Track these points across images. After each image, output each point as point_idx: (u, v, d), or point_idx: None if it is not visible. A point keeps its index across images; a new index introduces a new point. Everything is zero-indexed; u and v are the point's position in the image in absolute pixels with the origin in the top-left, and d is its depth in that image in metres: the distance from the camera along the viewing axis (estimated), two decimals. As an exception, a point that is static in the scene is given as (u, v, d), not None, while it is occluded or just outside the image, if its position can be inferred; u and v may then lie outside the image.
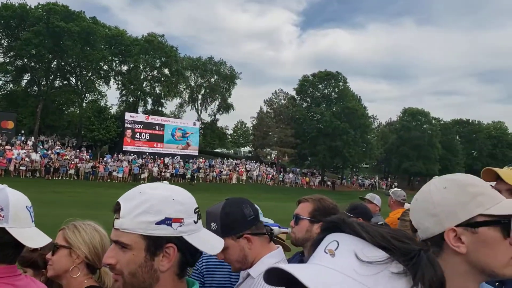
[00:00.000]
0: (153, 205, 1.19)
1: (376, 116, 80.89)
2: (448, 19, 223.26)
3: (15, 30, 49.49)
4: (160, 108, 62.42)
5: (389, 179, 67.69)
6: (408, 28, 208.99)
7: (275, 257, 2.02)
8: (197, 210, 1.27)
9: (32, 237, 1.70)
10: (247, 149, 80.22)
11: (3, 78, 52.19)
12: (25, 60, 50.62)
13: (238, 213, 1.97)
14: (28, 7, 48.77)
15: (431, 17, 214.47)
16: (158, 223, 1.18)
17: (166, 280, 1.21)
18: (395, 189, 6.35)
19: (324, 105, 61.55)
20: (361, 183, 61.28)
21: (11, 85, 53.46)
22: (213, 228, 1.93)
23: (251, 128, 68.67)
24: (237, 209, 1.97)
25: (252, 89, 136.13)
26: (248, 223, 1.97)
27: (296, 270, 0.70)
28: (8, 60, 51.11)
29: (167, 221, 1.18)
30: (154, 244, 1.19)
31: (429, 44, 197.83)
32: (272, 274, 0.76)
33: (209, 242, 1.28)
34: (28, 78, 53.56)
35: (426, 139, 66.36)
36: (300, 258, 2.72)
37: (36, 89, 53.09)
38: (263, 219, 3.23)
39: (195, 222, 1.25)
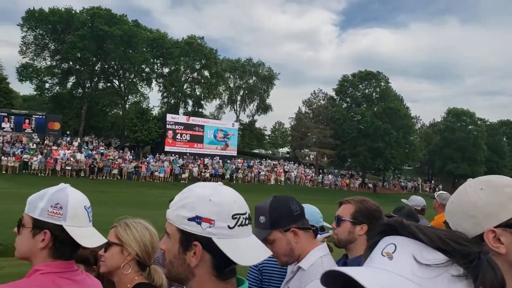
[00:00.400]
0: (190, 202, 1.21)
1: (419, 117, 79.00)
2: (494, 18, 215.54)
3: (61, 34, 51.19)
4: (200, 110, 63.27)
5: (432, 182, 65.81)
6: (452, 26, 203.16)
7: (322, 251, 2.11)
8: (236, 216, 1.22)
9: (88, 236, 1.75)
10: (285, 150, 80.00)
11: (50, 81, 54.01)
12: (71, 63, 52.28)
13: (285, 208, 2.09)
14: (73, 11, 50.38)
15: (476, 16, 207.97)
16: (190, 219, 1.20)
17: (202, 278, 1.21)
18: (441, 191, 6.23)
19: (364, 105, 60.47)
20: (403, 186, 59.79)
21: (58, 88, 55.25)
22: (262, 221, 2.06)
23: (289, 129, 68.38)
24: (284, 204, 2.10)
25: (290, 89, 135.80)
26: (294, 217, 2.09)
27: (355, 272, 0.70)
28: (54, 64, 52.88)
29: (197, 219, 1.19)
30: (186, 239, 1.21)
31: (474, 43, 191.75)
32: (329, 277, 0.76)
33: (243, 251, 1.20)
34: (73, 81, 55.29)
35: (471, 140, 64.14)
36: (344, 261, 2.68)
37: (81, 91, 54.80)
38: (322, 223, 3.19)
39: (230, 228, 1.20)
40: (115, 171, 38.86)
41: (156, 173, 40.72)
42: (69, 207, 1.72)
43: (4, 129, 40.55)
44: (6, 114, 41.89)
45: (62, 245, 1.71)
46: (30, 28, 50.13)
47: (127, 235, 2.16)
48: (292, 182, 50.34)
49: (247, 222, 1.24)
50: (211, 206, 1.20)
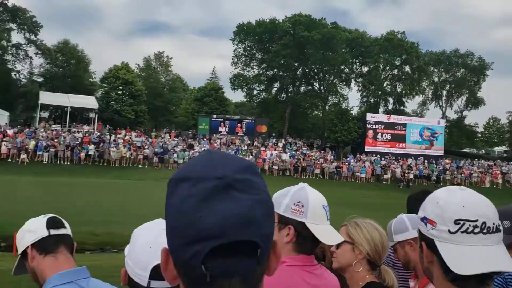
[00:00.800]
0: (425, 203, 1.27)
1: None
2: None
3: (266, 44, 55.78)
4: (401, 107, 61.17)
5: None
6: None
7: None
8: (460, 221, 1.15)
9: (327, 234, 1.82)
10: (501, 148, 70.91)
11: (257, 88, 59.46)
12: (275, 70, 56.60)
13: None
14: (277, 21, 54.19)
15: None
16: (421, 219, 1.25)
17: (437, 280, 1.21)
18: None
19: None
20: None
21: (264, 94, 60.46)
22: (506, 226, 1.94)
23: (507, 124, 60.47)
24: None
25: (507, 80, 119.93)
26: None
27: None
28: (261, 72, 57.98)
29: (424, 220, 1.24)
30: (419, 238, 1.27)
31: None
32: None
33: (464, 259, 1.12)
34: (277, 86, 59.79)
35: None
36: None
37: (284, 95, 58.74)
38: None
39: (451, 232, 1.16)
40: (317, 171, 40.05)
41: (357, 174, 40.60)
42: (310, 205, 1.80)
43: (221, 133, 45.84)
44: (222, 119, 47.31)
45: (304, 241, 1.80)
46: (240, 41, 55.98)
47: (357, 234, 2.18)
48: (512, 185, 44.27)
49: (477, 230, 1.14)
50: (436, 208, 1.20)
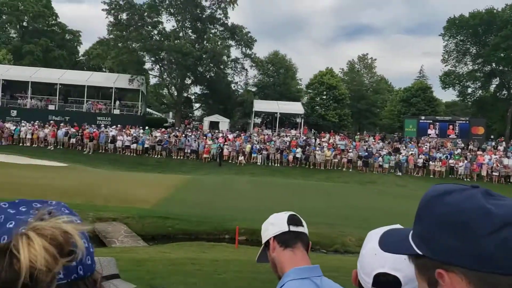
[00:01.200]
0: None
1: None
2: None
3: (482, 37, 50.37)
4: None
5: None
6: None
7: None
8: None
9: None
10: None
11: (472, 86, 54.19)
12: (493, 65, 50.69)
13: None
14: (495, 11, 48.44)
15: None
16: None
17: None
18: None
19: None
20: None
21: (480, 91, 54.71)
22: None
23: None
24: None
25: None
26: None
27: None
28: (476, 68, 52.56)
29: None
30: None
31: None
32: None
33: None
34: (496, 83, 53.55)
35: None
36: None
37: (505, 93, 52.44)
38: None
39: None
40: (550, 179, 34.12)
41: None
42: None
43: (430, 136, 43.00)
44: (431, 121, 44.43)
45: None
46: (451, 36, 51.86)
47: None
48: None
49: None
50: None
